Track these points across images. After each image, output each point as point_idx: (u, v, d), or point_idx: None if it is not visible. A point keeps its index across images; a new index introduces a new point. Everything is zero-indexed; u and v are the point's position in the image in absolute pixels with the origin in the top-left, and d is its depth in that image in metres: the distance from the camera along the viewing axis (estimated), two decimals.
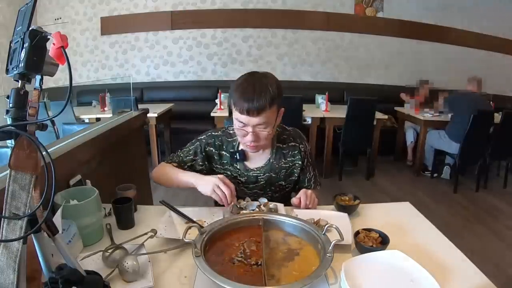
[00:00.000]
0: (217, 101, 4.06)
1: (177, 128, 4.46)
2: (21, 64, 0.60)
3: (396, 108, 4.59)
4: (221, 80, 5.08)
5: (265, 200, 1.24)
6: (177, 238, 1.00)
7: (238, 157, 1.31)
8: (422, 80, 4.55)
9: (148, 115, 2.44)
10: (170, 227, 1.07)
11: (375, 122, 3.81)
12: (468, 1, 4.97)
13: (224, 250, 0.93)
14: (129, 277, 0.84)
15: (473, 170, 3.88)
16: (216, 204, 1.41)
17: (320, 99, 4.23)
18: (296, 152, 1.35)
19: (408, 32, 5.04)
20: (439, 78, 4.61)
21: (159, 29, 4.95)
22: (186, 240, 0.88)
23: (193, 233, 0.92)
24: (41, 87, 0.64)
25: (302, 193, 1.22)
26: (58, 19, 4.77)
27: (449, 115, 3.81)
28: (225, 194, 1.12)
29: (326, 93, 4.08)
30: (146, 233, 1.01)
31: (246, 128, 1.18)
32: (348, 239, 0.98)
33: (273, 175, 1.34)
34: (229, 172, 1.34)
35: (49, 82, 3.50)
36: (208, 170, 1.36)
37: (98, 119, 3.10)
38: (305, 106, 3.86)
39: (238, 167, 1.34)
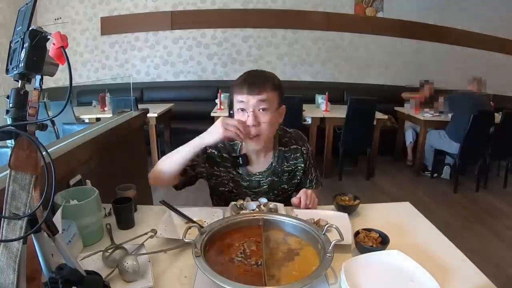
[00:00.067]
0: (217, 101, 4.07)
1: (177, 128, 4.46)
2: (21, 64, 0.60)
3: (396, 108, 4.59)
4: (221, 80, 5.08)
5: (265, 200, 1.23)
6: (177, 238, 1.00)
7: (240, 162, 1.29)
8: (425, 80, 4.55)
9: (148, 115, 2.45)
10: (170, 227, 1.07)
11: (375, 122, 3.81)
12: (468, 1, 4.97)
13: (224, 250, 0.93)
14: (129, 277, 0.84)
15: (473, 170, 3.88)
16: (216, 204, 1.41)
17: (320, 99, 4.23)
18: (298, 154, 1.35)
19: (408, 32, 5.04)
20: (439, 78, 4.61)
21: (159, 29, 4.95)
22: (186, 240, 0.88)
23: (193, 233, 0.92)
24: (41, 87, 0.64)
25: (302, 192, 1.22)
26: (58, 19, 4.78)
27: (449, 115, 3.81)
28: (237, 127, 1.10)
29: (326, 93, 4.08)
30: (146, 233, 1.01)
31: (247, 108, 1.17)
32: (348, 239, 0.98)
33: (276, 179, 1.33)
34: (231, 176, 1.32)
35: (49, 82, 3.51)
36: (209, 173, 1.32)
37: (98, 119, 3.11)
38: (305, 106, 3.86)
39: (240, 171, 1.31)
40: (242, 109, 1.18)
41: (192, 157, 1.17)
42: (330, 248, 0.85)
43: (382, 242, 0.98)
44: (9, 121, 0.61)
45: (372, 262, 0.86)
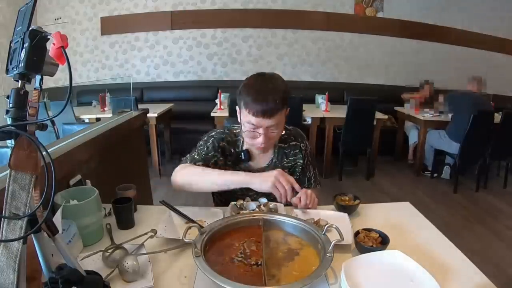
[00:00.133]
0: (217, 101, 4.06)
1: (177, 128, 4.46)
2: (21, 64, 0.60)
3: (396, 108, 4.59)
4: (221, 80, 5.08)
5: (265, 200, 1.24)
6: (177, 238, 1.00)
7: (243, 157, 1.30)
8: (425, 80, 4.56)
9: (148, 115, 2.44)
10: (170, 227, 1.07)
11: (375, 122, 3.81)
12: (468, 1, 4.97)
13: (224, 250, 0.93)
14: (129, 277, 0.84)
15: (473, 170, 3.88)
16: (216, 204, 1.41)
17: (320, 99, 4.23)
18: (297, 151, 1.36)
19: (408, 32, 5.04)
20: (439, 78, 4.61)
21: (159, 29, 4.95)
22: (186, 240, 0.88)
23: (193, 233, 0.92)
24: (41, 87, 0.64)
25: (302, 192, 1.22)
26: (58, 19, 4.78)
27: (449, 115, 3.81)
28: (286, 189, 1.08)
29: (326, 93, 4.08)
30: (146, 233, 1.01)
31: (258, 130, 1.17)
32: (348, 239, 0.98)
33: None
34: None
35: (49, 82, 3.51)
36: (221, 166, 1.30)
37: (98, 119, 3.11)
38: (305, 106, 3.86)
39: (241, 167, 1.33)
40: (253, 128, 1.17)
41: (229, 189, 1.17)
42: (330, 248, 0.85)
43: (382, 242, 0.98)
44: (9, 121, 0.61)
45: (372, 262, 0.86)
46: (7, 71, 0.66)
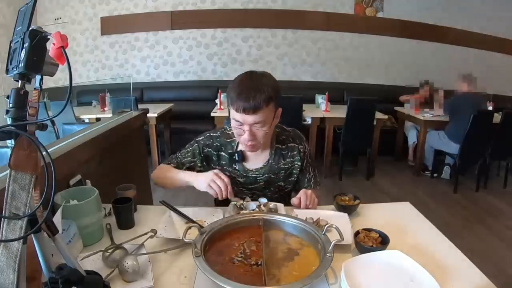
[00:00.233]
0: (217, 101, 4.06)
1: (177, 128, 4.46)
2: (21, 64, 0.60)
3: (396, 108, 4.59)
4: (221, 80, 5.08)
5: (265, 200, 1.24)
6: (177, 238, 1.00)
7: (237, 158, 1.31)
8: (425, 80, 4.56)
9: (148, 115, 2.44)
10: (170, 227, 1.07)
11: (375, 122, 3.80)
12: (468, 1, 4.97)
13: (224, 250, 0.93)
14: (129, 277, 0.84)
15: (473, 170, 3.88)
16: (216, 204, 1.41)
17: (320, 99, 4.23)
18: (295, 153, 1.35)
19: (408, 32, 5.04)
20: (439, 78, 4.61)
21: (159, 29, 4.95)
22: (186, 240, 0.88)
23: (193, 233, 0.92)
24: (41, 87, 0.64)
25: (302, 193, 1.22)
26: (58, 19, 4.78)
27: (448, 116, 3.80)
28: (220, 188, 1.14)
29: (326, 93, 4.08)
30: (146, 233, 1.01)
31: (243, 127, 1.17)
32: (348, 239, 0.98)
33: (272, 176, 1.34)
34: (228, 173, 1.33)
35: (49, 82, 3.51)
36: (207, 171, 1.35)
37: (98, 119, 3.10)
38: (305, 106, 3.85)
39: (237, 168, 1.33)
40: (239, 125, 1.18)
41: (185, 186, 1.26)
42: (330, 248, 0.85)
43: (382, 242, 0.98)
44: (9, 121, 0.61)
45: (372, 262, 0.86)
46: (7, 71, 0.66)
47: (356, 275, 0.81)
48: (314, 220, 1.10)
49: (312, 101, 4.38)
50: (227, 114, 4.11)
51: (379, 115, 3.86)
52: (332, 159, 4.04)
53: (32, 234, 0.63)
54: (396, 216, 1.23)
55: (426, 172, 4.14)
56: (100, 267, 0.89)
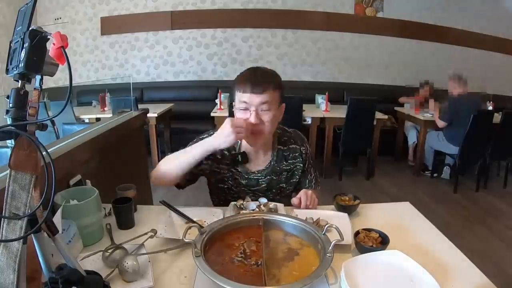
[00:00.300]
0: (217, 101, 4.06)
1: (177, 128, 4.46)
2: (21, 64, 0.60)
3: (396, 108, 4.59)
4: (221, 80, 5.08)
5: (265, 200, 1.23)
6: (177, 238, 1.00)
7: (239, 159, 1.30)
8: (425, 80, 4.56)
9: (148, 115, 2.44)
10: (170, 227, 1.07)
11: (375, 122, 3.81)
12: (468, 1, 4.97)
13: (224, 250, 0.93)
14: (129, 277, 0.84)
15: (473, 170, 3.88)
16: (216, 204, 1.41)
17: (320, 99, 4.23)
18: (297, 154, 1.35)
19: (408, 32, 5.04)
20: (439, 78, 4.61)
21: (159, 29, 4.95)
22: (186, 240, 0.88)
23: (193, 233, 0.92)
24: (41, 87, 0.64)
25: (302, 193, 1.22)
26: (58, 19, 4.78)
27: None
28: (244, 127, 1.12)
29: (326, 93, 4.08)
30: (146, 233, 1.01)
31: (250, 109, 1.18)
32: (348, 239, 0.98)
33: (274, 178, 1.33)
34: (231, 173, 1.32)
35: (49, 82, 3.50)
36: (211, 170, 1.33)
37: (98, 119, 3.11)
38: (305, 106, 3.86)
39: (239, 169, 1.32)
40: (245, 109, 1.19)
41: (202, 159, 1.19)
42: (330, 248, 0.85)
43: (382, 242, 0.98)
44: (9, 121, 0.61)
45: (372, 262, 0.86)
46: (7, 71, 0.65)
47: (356, 275, 0.81)
48: (314, 220, 1.10)
49: (312, 101, 4.38)
50: (227, 114, 4.10)
51: (379, 115, 3.86)
52: (332, 159, 4.04)
53: (32, 234, 0.63)
54: (396, 216, 1.23)
55: (426, 172, 4.14)
56: (100, 267, 0.89)
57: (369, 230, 1.03)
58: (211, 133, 1.34)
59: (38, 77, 0.64)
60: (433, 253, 0.98)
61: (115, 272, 0.85)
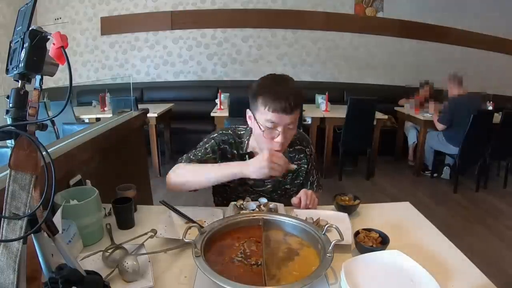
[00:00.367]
0: (217, 101, 4.06)
1: (177, 128, 4.46)
2: (21, 64, 0.60)
3: (396, 108, 4.59)
4: (221, 80, 5.08)
5: (265, 200, 1.23)
6: (177, 238, 1.00)
7: (247, 159, 1.27)
8: (425, 80, 4.56)
9: (148, 115, 2.44)
10: (170, 227, 1.07)
11: (375, 122, 3.81)
12: (468, 1, 4.97)
13: (224, 250, 0.93)
14: (129, 277, 0.84)
15: (473, 170, 3.88)
16: (216, 204, 1.41)
17: (320, 99, 4.23)
18: (302, 155, 1.35)
19: (408, 32, 5.04)
20: (439, 78, 4.61)
21: (159, 29, 4.95)
22: (186, 240, 0.88)
23: (193, 233, 0.92)
24: (41, 87, 0.64)
25: (302, 193, 1.22)
26: (58, 19, 4.78)
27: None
28: (282, 165, 1.07)
29: (326, 93, 4.08)
30: (146, 233, 1.01)
31: (277, 129, 1.14)
32: (348, 239, 0.98)
33: (280, 179, 1.33)
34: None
35: (49, 82, 3.50)
36: None
37: (98, 119, 3.11)
38: (305, 106, 3.84)
39: None
40: (272, 127, 1.15)
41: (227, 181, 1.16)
42: (330, 248, 0.85)
43: (382, 242, 0.98)
44: (9, 121, 0.61)
45: (372, 262, 0.86)
46: (7, 71, 0.65)
47: (356, 275, 0.81)
48: (314, 220, 1.10)
49: (312, 101, 4.38)
50: (227, 114, 4.08)
51: (379, 115, 3.86)
52: (332, 159, 4.04)
53: (32, 234, 0.63)
54: (396, 216, 1.23)
55: (426, 172, 4.14)
56: (100, 267, 0.89)
57: (369, 230, 1.03)
58: (220, 132, 1.32)
59: (38, 77, 0.64)
60: (433, 253, 0.98)
61: (115, 272, 0.85)
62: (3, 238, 0.60)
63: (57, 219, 0.85)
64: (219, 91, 4.24)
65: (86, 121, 3.64)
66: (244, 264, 0.87)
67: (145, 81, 5.08)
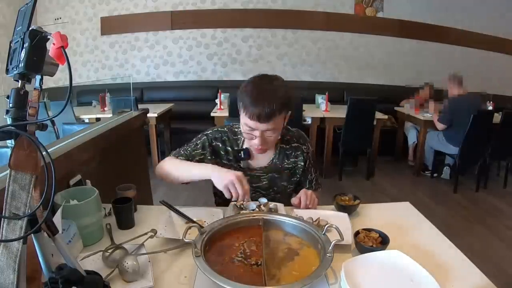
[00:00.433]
0: (217, 101, 4.06)
1: (177, 128, 4.46)
2: (21, 64, 0.60)
3: (396, 108, 4.59)
4: (221, 80, 5.08)
5: (265, 200, 1.23)
6: (177, 238, 1.00)
7: (242, 156, 1.30)
8: (426, 82, 4.56)
9: (148, 115, 2.44)
10: (170, 227, 1.07)
11: (375, 122, 3.81)
12: (468, 1, 4.97)
13: (224, 250, 0.93)
14: (129, 277, 0.84)
15: (473, 170, 3.88)
16: (217, 204, 1.41)
17: (320, 99, 4.23)
18: (299, 153, 1.36)
19: (408, 32, 5.04)
20: (439, 78, 4.61)
21: (159, 29, 4.95)
22: (186, 240, 0.88)
23: (193, 233, 0.92)
24: (41, 87, 0.64)
25: (302, 193, 1.23)
26: (58, 19, 4.78)
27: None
28: (238, 194, 1.08)
29: (326, 93, 4.08)
30: (146, 233, 1.01)
31: (254, 133, 1.18)
32: (348, 239, 0.98)
33: (276, 176, 1.34)
34: (233, 169, 1.32)
35: (49, 82, 3.50)
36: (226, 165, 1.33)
37: (98, 119, 3.10)
38: (305, 106, 3.85)
39: (241, 165, 1.33)
40: (250, 130, 1.18)
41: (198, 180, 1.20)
42: (330, 248, 0.85)
43: (382, 242, 0.98)
44: (9, 121, 0.61)
45: (372, 262, 0.86)
46: (7, 71, 0.65)
47: (356, 275, 0.81)
48: (314, 220, 1.10)
49: (312, 101, 4.38)
50: (227, 114, 4.08)
51: (379, 115, 3.86)
52: (332, 159, 4.04)
53: (32, 234, 0.63)
54: (396, 216, 1.23)
55: (426, 172, 4.14)
56: (100, 267, 0.89)
57: (369, 230, 1.03)
58: (215, 129, 1.36)
59: (38, 77, 0.64)
60: (433, 253, 0.98)
61: (115, 272, 0.85)
62: (3, 238, 0.60)
63: (57, 219, 0.85)
64: (219, 91, 4.24)
65: (86, 121, 3.64)
66: (244, 264, 0.87)
67: (145, 81, 5.08)
